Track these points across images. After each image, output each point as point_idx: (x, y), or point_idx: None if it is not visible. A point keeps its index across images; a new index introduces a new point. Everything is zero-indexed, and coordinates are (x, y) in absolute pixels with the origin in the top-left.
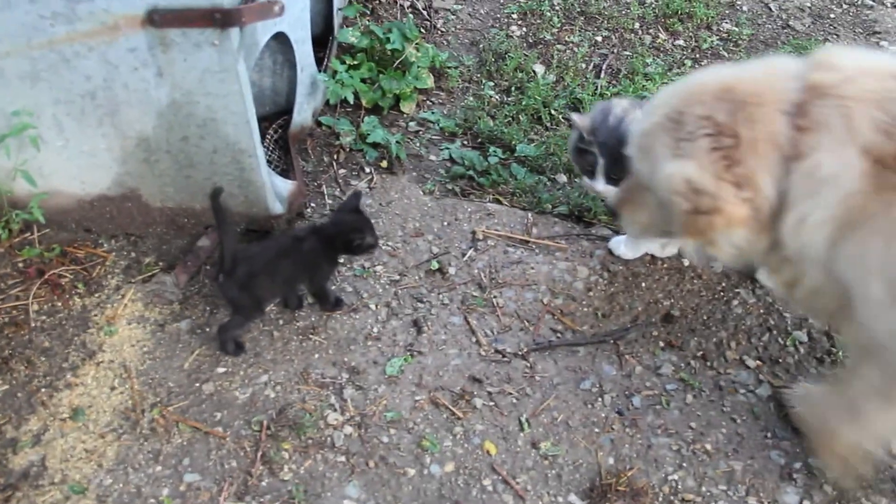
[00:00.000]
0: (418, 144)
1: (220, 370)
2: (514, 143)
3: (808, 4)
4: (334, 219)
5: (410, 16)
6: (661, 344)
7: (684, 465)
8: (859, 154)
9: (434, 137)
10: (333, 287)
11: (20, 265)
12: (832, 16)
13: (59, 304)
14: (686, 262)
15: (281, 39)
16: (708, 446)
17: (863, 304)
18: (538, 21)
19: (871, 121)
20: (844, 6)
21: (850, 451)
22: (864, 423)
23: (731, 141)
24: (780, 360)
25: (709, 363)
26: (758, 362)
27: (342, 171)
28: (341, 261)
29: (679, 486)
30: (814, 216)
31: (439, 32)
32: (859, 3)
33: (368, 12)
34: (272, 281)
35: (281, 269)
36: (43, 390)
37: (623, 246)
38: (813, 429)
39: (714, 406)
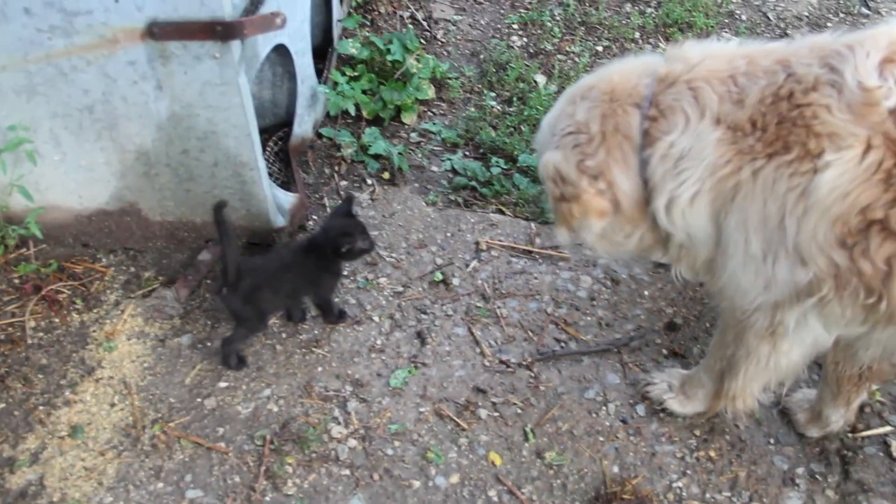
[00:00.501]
0: (420, 155)
1: (222, 385)
2: (516, 153)
3: (806, 14)
4: (325, 226)
5: (411, 27)
6: (665, 352)
7: (688, 472)
8: (712, 125)
9: (436, 148)
10: (337, 299)
11: (16, 281)
12: (829, 25)
13: (57, 320)
14: None
15: (281, 51)
16: (712, 453)
17: (740, 258)
18: (539, 31)
19: (721, 94)
20: (841, 16)
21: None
22: (741, 372)
23: (585, 137)
24: None
25: None
26: None
27: (344, 182)
28: (345, 272)
29: (683, 493)
30: (684, 194)
31: (440, 43)
32: (856, 12)
33: (368, 23)
34: (276, 293)
35: (284, 282)
36: (41, 408)
37: None
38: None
39: (717, 413)
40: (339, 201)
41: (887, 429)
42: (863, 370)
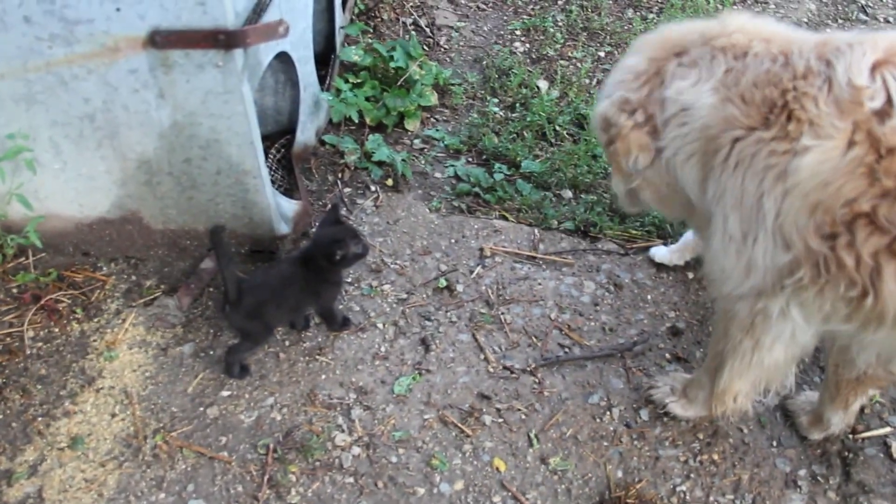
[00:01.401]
0: (423, 162)
1: (225, 393)
2: (519, 159)
3: (805, 20)
4: (315, 237)
5: (413, 33)
6: (668, 356)
7: (692, 475)
8: (711, 91)
9: (439, 155)
10: (341, 306)
11: (14, 291)
12: (828, 30)
13: (57, 329)
14: (691, 276)
15: (283, 59)
16: (715, 456)
17: (720, 237)
18: (541, 37)
19: (728, 67)
20: (840, 21)
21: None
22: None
23: (631, 76)
24: None
25: None
26: None
27: (347, 189)
28: (348, 280)
29: (687, 497)
30: (683, 151)
31: (443, 50)
32: (853, 17)
33: (371, 30)
34: (279, 308)
35: (287, 297)
36: (39, 419)
37: (667, 252)
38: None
39: (719, 418)
40: (344, 209)
41: (887, 430)
42: (860, 375)
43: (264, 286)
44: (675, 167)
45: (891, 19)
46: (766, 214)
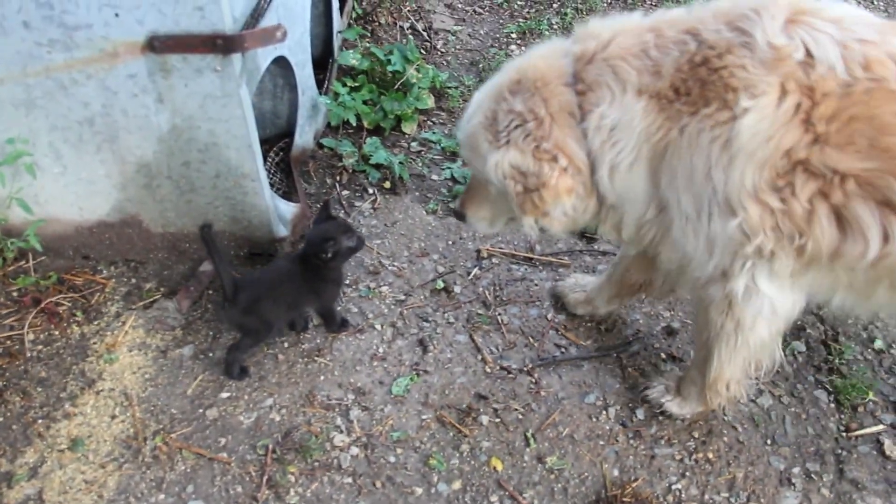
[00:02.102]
0: (420, 164)
1: (224, 395)
2: None
3: None
4: (308, 236)
5: (411, 37)
6: (663, 356)
7: (687, 473)
8: (636, 97)
9: (436, 157)
10: (339, 308)
11: (15, 294)
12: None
13: (57, 332)
14: None
15: (281, 63)
16: (710, 454)
17: (678, 222)
18: (537, 40)
19: (637, 69)
20: None
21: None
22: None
23: (534, 123)
24: (780, 370)
25: None
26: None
27: (345, 192)
28: (346, 281)
29: (682, 495)
30: (624, 161)
31: (439, 53)
32: None
33: (369, 34)
34: (276, 304)
35: (285, 293)
36: (40, 421)
37: None
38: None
39: (715, 415)
40: (342, 211)
41: (880, 427)
42: (644, 283)
43: (261, 282)
44: (615, 179)
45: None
46: (716, 186)
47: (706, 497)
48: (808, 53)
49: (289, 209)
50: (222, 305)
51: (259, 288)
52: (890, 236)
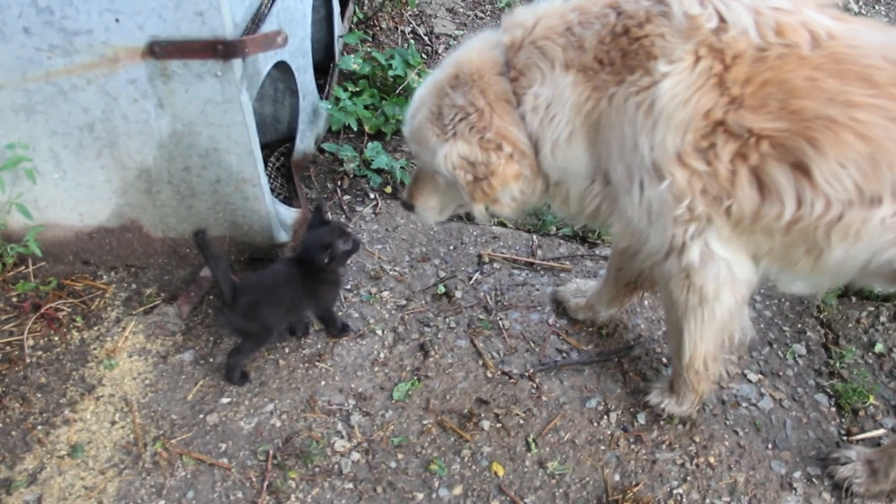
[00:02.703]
0: None
1: (225, 400)
2: None
3: None
4: (303, 242)
5: (412, 42)
6: (665, 360)
7: (688, 478)
8: (564, 72)
9: None
10: (340, 312)
11: (14, 299)
12: None
13: (56, 338)
14: None
15: (282, 68)
16: (711, 459)
17: (621, 193)
18: None
19: (563, 45)
20: None
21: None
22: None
23: (476, 115)
24: (781, 374)
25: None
26: (759, 376)
27: (347, 197)
28: (347, 286)
29: (684, 500)
30: (562, 136)
31: (441, 57)
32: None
33: (370, 39)
34: (275, 308)
35: (284, 296)
36: (39, 427)
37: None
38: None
39: (717, 419)
40: (343, 216)
41: (881, 431)
42: (639, 278)
43: (259, 285)
44: (557, 155)
45: None
46: (643, 153)
47: (707, 501)
48: (722, 19)
49: (290, 214)
50: (222, 310)
51: (258, 292)
52: (803, 201)
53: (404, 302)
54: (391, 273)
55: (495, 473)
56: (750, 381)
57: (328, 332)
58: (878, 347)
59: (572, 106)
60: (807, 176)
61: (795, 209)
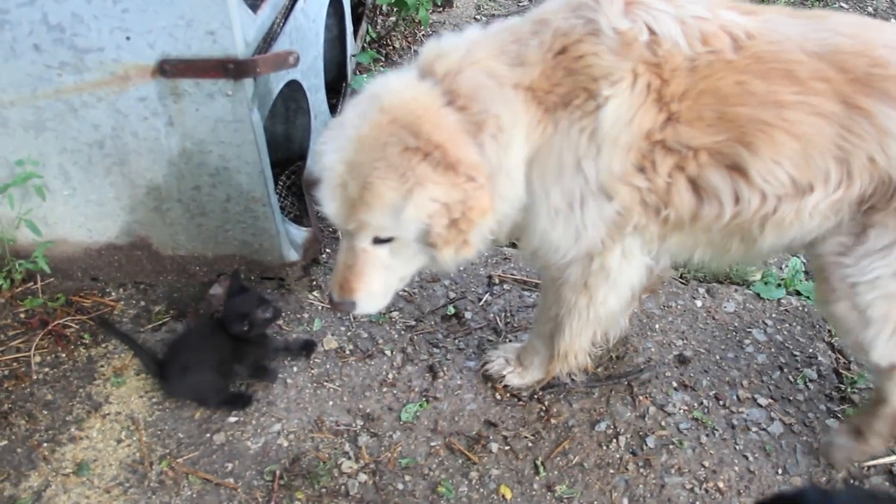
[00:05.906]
0: None
1: (232, 420)
2: None
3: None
4: (223, 312)
5: None
6: (675, 384)
7: (697, 503)
8: (513, 91)
9: None
10: (349, 333)
11: (22, 316)
12: None
13: (64, 355)
14: (699, 304)
15: (294, 86)
16: (721, 484)
17: (545, 214)
18: None
19: (505, 63)
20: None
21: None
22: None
23: (438, 151)
24: (791, 398)
25: (721, 402)
26: (770, 400)
27: None
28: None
29: None
30: (514, 161)
31: None
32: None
33: (382, 58)
34: (205, 374)
35: (211, 361)
36: (45, 445)
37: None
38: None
39: (727, 444)
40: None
41: (893, 458)
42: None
43: (186, 350)
44: (511, 182)
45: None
46: (587, 177)
47: None
48: (652, 32)
49: (300, 234)
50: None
51: (185, 359)
52: (741, 197)
53: (413, 322)
54: (400, 293)
55: (503, 496)
56: (760, 406)
57: (264, 381)
58: None
59: (524, 129)
60: (743, 176)
61: (734, 206)
